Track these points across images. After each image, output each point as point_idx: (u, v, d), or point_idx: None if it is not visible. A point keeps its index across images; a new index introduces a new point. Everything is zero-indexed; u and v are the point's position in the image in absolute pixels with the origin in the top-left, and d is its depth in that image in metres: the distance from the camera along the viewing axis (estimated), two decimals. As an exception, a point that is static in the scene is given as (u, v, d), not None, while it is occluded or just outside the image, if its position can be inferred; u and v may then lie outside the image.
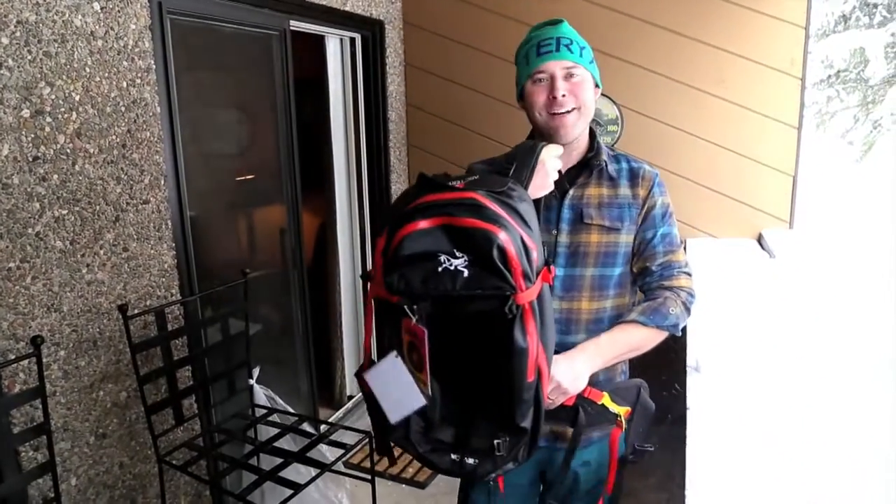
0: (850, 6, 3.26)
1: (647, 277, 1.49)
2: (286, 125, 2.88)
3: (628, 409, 1.43)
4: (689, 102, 3.17)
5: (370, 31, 3.40)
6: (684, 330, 1.52)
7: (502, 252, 1.05)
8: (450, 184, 1.15)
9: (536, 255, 1.12)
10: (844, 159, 3.49)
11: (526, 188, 1.28)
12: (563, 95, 1.39)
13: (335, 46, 3.36)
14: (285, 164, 2.92)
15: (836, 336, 2.10)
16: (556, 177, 1.38)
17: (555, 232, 1.46)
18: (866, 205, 3.30)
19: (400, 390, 1.17)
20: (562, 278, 1.45)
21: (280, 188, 2.96)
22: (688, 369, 1.82)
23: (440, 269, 1.07)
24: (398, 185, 3.72)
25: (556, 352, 1.40)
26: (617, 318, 1.48)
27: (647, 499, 2.91)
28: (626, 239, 1.47)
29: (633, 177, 1.50)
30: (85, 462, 1.95)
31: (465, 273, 1.07)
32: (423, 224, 1.08)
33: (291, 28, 2.83)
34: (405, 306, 1.11)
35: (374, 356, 1.24)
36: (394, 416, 1.19)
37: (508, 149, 1.44)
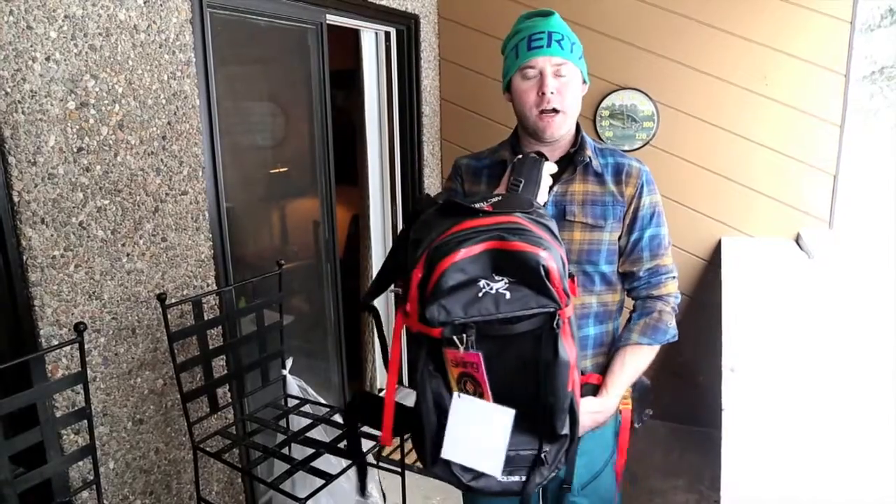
0: (899, -1, 3.17)
1: (635, 282, 1.51)
2: (321, 118, 2.90)
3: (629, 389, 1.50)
4: (727, 98, 3.11)
5: (405, 25, 3.40)
6: (717, 332, 1.54)
7: (547, 272, 1.06)
8: (477, 206, 1.15)
9: (567, 270, 1.14)
10: (887, 158, 3.40)
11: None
12: (552, 93, 1.40)
13: (370, 40, 3.37)
14: (320, 157, 2.94)
15: (875, 339, 2.05)
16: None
17: None
18: (909, 205, 3.22)
19: (481, 429, 1.13)
20: None
21: (314, 181, 2.99)
22: (723, 370, 1.79)
23: (480, 294, 1.07)
24: (431, 179, 3.72)
25: None
26: (604, 315, 1.51)
27: (676, 499, 2.88)
28: (609, 237, 1.47)
29: (618, 173, 1.48)
30: (123, 446, 2.00)
31: (508, 295, 1.07)
32: (468, 252, 1.07)
33: (327, 22, 2.85)
34: (453, 337, 1.08)
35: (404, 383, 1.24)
36: (493, 464, 1.14)
37: None
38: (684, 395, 3.28)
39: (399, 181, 3.60)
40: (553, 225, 1.19)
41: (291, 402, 2.44)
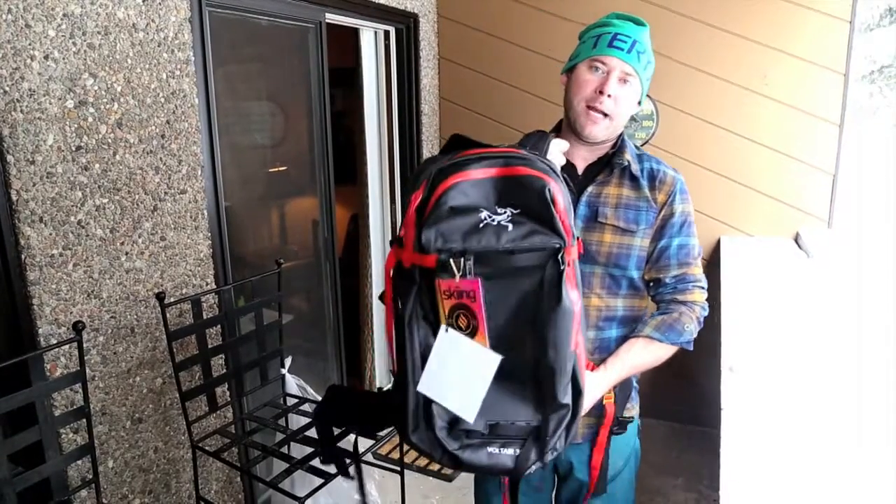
0: (898, -1, 3.17)
1: (661, 288, 1.47)
2: (321, 117, 2.90)
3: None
4: (726, 98, 3.11)
5: (404, 23, 3.40)
6: (716, 331, 1.51)
7: (553, 200, 1.00)
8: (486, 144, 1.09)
9: (573, 217, 1.09)
10: (886, 157, 3.41)
11: None
12: (609, 96, 1.37)
13: (370, 39, 3.37)
14: (319, 156, 2.94)
15: (874, 338, 2.06)
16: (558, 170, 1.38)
17: None
18: (908, 205, 3.22)
19: (463, 369, 1.03)
20: None
21: (313, 180, 2.99)
22: (722, 370, 1.79)
23: (481, 224, 1.00)
24: (430, 178, 3.72)
25: None
26: (630, 319, 1.47)
27: (675, 498, 2.89)
28: (640, 242, 1.44)
29: (653, 179, 1.46)
30: (121, 445, 1.99)
31: (510, 227, 1.00)
32: (472, 174, 1.02)
33: (327, 21, 2.85)
34: (449, 261, 1.00)
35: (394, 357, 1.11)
36: (469, 410, 1.04)
37: None
38: (683, 395, 3.28)
39: (398, 180, 3.59)
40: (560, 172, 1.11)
41: (290, 401, 2.44)
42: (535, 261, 1.01)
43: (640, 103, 1.46)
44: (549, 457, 1.06)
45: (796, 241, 3.07)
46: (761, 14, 2.99)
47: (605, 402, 1.44)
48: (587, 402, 1.32)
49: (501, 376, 1.05)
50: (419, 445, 1.08)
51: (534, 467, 1.06)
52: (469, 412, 1.04)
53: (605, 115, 1.39)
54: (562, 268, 1.00)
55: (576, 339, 1.04)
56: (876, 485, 1.32)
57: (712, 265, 3.22)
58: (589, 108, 1.39)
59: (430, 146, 3.71)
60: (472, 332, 1.04)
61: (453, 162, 1.04)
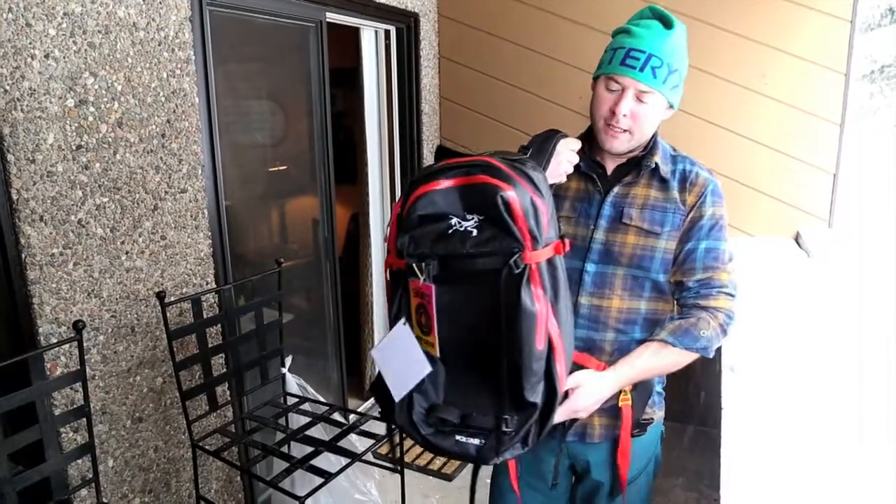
0: (899, -1, 3.17)
1: (684, 292, 1.43)
2: (321, 116, 2.89)
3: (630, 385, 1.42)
4: (727, 97, 3.11)
5: (405, 23, 3.40)
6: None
7: (508, 206, 1.06)
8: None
9: (547, 221, 1.12)
10: (887, 157, 3.40)
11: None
12: (625, 115, 1.36)
13: (370, 38, 3.37)
14: (319, 156, 2.94)
15: (874, 338, 2.05)
16: (570, 169, 1.38)
17: (592, 227, 1.44)
18: (909, 204, 3.22)
19: (405, 360, 1.17)
20: (593, 274, 1.43)
21: (314, 179, 2.99)
22: (723, 369, 1.79)
23: (451, 230, 1.10)
24: (430, 177, 3.71)
25: (580, 348, 1.42)
26: (652, 322, 1.44)
27: (677, 498, 2.88)
28: (665, 245, 1.41)
29: (684, 180, 1.43)
30: (122, 444, 1.99)
31: (475, 233, 1.08)
32: (441, 184, 1.10)
33: (327, 20, 2.84)
34: (413, 265, 1.11)
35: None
36: (398, 390, 1.18)
37: None
38: (683, 394, 3.28)
39: (399, 179, 3.59)
40: (538, 176, 1.15)
41: (291, 401, 2.44)
42: (496, 264, 1.08)
43: (672, 107, 1.42)
44: (514, 451, 1.14)
45: (797, 240, 3.07)
46: (762, 14, 2.99)
47: (620, 403, 1.42)
48: (589, 403, 1.32)
49: (475, 371, 1.15)
50: (401, 427, 1.21)
51: (497, 460, 1.15)
52: (397, 394, 1.18)
53: (625, 130, 1.38)
54: (517, 271, 1.06)
55: (542, 337, 1.09)
56: (877, 484, 1.32)
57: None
58: (607, 125, 1.39)
59: (430, 145, 3.71)
60: (427, 331, 1.15)
61: (425, 174, 1.14)
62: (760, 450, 1.44)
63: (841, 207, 3.06)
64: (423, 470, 3.03)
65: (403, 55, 3.45)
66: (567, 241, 1.16)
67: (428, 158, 3.69)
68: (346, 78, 3.46)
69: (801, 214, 3.10)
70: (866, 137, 3.24)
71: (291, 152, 2.98)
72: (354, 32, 3.30)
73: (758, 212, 3.16)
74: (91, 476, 1.77)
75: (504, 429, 1.12)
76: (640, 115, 1.37)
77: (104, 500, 1.90)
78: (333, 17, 2.91)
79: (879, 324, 2.17)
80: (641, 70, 1.33)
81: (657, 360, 1.39)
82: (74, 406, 1.77)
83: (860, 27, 3.00)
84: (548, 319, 1.10)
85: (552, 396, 1.12)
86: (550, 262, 1.13)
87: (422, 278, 1.11)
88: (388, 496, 2.70)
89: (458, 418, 1.17)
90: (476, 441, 1.15)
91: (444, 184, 1.10)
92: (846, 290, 2.48)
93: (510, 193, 1.06)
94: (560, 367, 1.13)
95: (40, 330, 1.72)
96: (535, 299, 1.08)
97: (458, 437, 1.16)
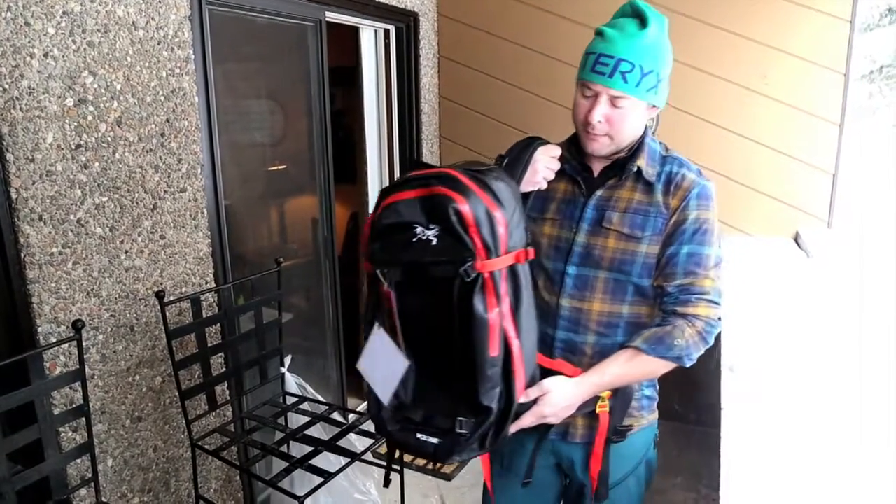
0: (899, -1, 3.16)
1: (665, 298, 1.39)
2: (320, 116, 2.89)
3: (609, 392, 1.40)
4: (726, 97, 3.11)
5: (404, 22, 3.40)
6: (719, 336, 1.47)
7: (461, 217, 1.11)
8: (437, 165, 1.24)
9: (505, 231, 1.15)
10: (886, 157, 3.40)
11: (518, 181, 1.35)
12: (599, 122, 1.35)
13: (370, 37, 3.37)
14: (319, 155, 2.94)
15: (873, 338, 2.06)
16: (551, 175, 1.42)
17: (574, 230, 1.43)
18: (908, 204, 3.22)
19: (386, 362, 1.24)
20: (574, 276, 1.43)
21: (313, 178, 2.98)
22: (722, 369, 1.79)
23: (415, 239, 1.15)
24: (429, 177, 3.71)
25: (561, 350, 1.44)
26: (636, 326, 1.42)
27: (675, 498, 2.89)
28: (647, 249, 1.38)
29: (669, 183, 1.39)
30: (121, 444, 1.99)
31: (434, 242, 1.14)
32: (404, 195, 1.17)
33: (327, 19, 2.84)
34: (377, 271, 1.20)
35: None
36: (385, 392, 1.24)
37: None
38: (683, 394, 3.29)
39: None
40: (499, 186, 1.19)
41: (290, 400, 2.44)
42: (451, 273, 1.13)
43: (655, 106, 1.39)
44: (471, 453, 1.21)
45: (796, 240, 3.08)
46: (762, 14, 2.99)
47: (598, 410, 1.40)
48: (557, 410, 1.32)
49: (439, 375, 1.22)
50: (374, 422, 1.30)
51: (453, 459, 1.23)
52: (384, 397, 1.25)
53: (604, 134, 1.37)
54: (467, 279, 1.12)
55: (495, 344, 1.14)
56: (877, 484, 1.32)
57: (712, 265, 3.22)
58: (585, 130, 1.39)
59: (429, 145, 3.71)
60: (393, 334, 1.23)
61: (392, 184, 1.21)
62: (760, 450, 1.44)
63: (840, 207, 3.06)
64: (423, 470, 3.03)
65: (403, 54, 3.45)
66: (532, 249, 1.22)
67: (427, 158, 3.69)
68: (346, 77, 3.46)
69: (801, 214, 3.10)
70: (865, 137, 3.24)
71: (291, 151, 2.98)
72: (354, 31, 3.30)
73: (757, 212, 3.16)
74: (90, 475, 1.77)
75: (458, 430, 1.19)
76: (616, 120, 1.35)
77: (103, 500, 1.90)
78: (333, 16, 2.91)
79: (879, 324, 2.17)
80: (611, 76, 1.32)
81: (630, 367, 1.37)
82: (73, 405, 1.77)
83: (860, 27, 3.00)
84: (502, 327, 1.15)
85: (510, 402, 1.18)
86: (513, 269, 1.18)
87: (385, 284, 1.19)
88: (388, 496, 2.70)
89: (422, 418, 1.25)
90: (434, 440, 1.22)
91: (407, 195, 1.16)
92: (845, 291, 2.49)
93: (463, 206, 1.11)
94: (518, 373, 1.18)
95: (39, 329, 1.72)
96: (489, 307, 1.13)
97: (419, 435, 1.24)
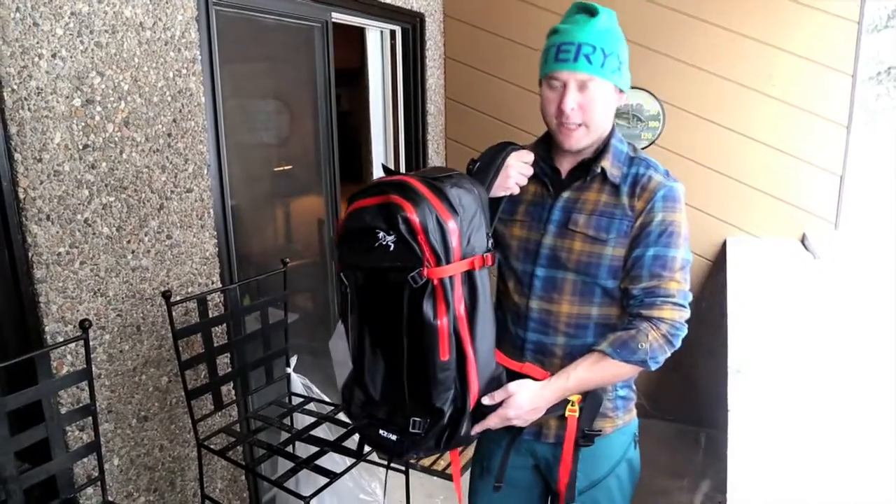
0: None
1: (630, 300, 1.38)
2: (326, 116, 2.90)
3: (579, 395, 1.40)
4: (733, 98, 3.10)
5: (411, 23, 3.40)
6: (722, 333, 1.47)
7: (408, 224, 1.16)
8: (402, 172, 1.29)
9: (458, 239, 1.19)
10: (893, 159, 3.39)
11: (488, 187, 1.37)
12: (572, 109, 1.34)
13: (376, 39, 3.37)
14: (325, 155, 2.95)
15: (881, 340, 2.05)
16: (523, 181, 1.44)
17: (542, 232, 1.43)
18: (916, 206, 3.21)
19: (342, 354, 1.35)
20: (542, 279, 1.43)
21: (319, 179, 2.99)
22: (729, 371, 1.79)
23: (377, 244, 1.20)
24: (435, 177, 3.72)
25: (532, 352, 1.45)
26: (606, 328, 1.42)
27: (680, 499, 2.88)
28: (612, 252, 1.37)
29: (634, 185, 1.38)
30: (127, 443, 2.00)
31: (392, 248, 1.18)
32: (366, 202, 1.22)
33: (333, 20, 2.85)
34: (341, 274, 1.27)
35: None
36: (339, 380, 1.36)
37: None
38: (689, 396, 3.28)
39: (403, 180, 3.59)
40: (457, 193, 1.22)
41: (296, 400, 2.44)
42: (399, 279, 1.18)
43: (622, 91, 1.40)
44: (428, 451, 1.27)
45: (803, 242, 3.07)
46: (769, 14, 2.98)
47: (567, 414, 1.40)
48: (522, 413, 1.32)
49: (399, 375, 1.27)
50: (346, 415, 1.38)
51: (410, 456, 1.30)
52: (338, 382, 1.36)
53: (578, 124, 1.36)
54: (415, 286, 1.17)
55: (446, 350, 1.18)
56: (885, 487, 1.31)
57: (718, 266, 3.21)
58: (560, 124, 1.38)
59: (435, 146, 3.71)
60: (357, 333, 1.32)
61: (359, 191, 1.25)
62: (767, 452, 1.44)
63: (847, 209, 3.05)
64: (428, 470, 3.03)
65: (409, 55, 3.45)
66: (490, 255, 1.26)
67: (433, 158, 3.69)
68: (352, 78, 3.47)
69: (808, 216, 3.09)
70: (873, 139, 3.23)
71: (297, 152, 2.98)
72: (360, 32, 3.30)
73: (764, 213, 3.16)
74: (97, 474, 1.77)
75: (412, 430, 1.25)
76: (587, 106, 1.35)
77: (110, 499, 1.90)
78: (339, 17, 2.92)
79: (886, 326, 2.16)
80: (575, 60, 1.33)
81: (595, 371, 1.36)
82: (80, 405, 1.78)
83: (867, 28, 2.99)
84: (456, 332, 1.20)
85: (464, 407, 1.24)
86: (469, 275, 1.22)
87: (347, 285, 1.27)
88: (393, 496, 2.70)
89: (385, 415, 1.31)
90: (394, 437, 1.28)
91: (369, 202, 1.21)
92: (852, 292, 2.47)
93: (412, 214, 1.15)
94: (472, 377, 1.23)
95: (47, 328, 1.73)
96: (439, 313, 1.18)
97: (381, 431, 1.30)
